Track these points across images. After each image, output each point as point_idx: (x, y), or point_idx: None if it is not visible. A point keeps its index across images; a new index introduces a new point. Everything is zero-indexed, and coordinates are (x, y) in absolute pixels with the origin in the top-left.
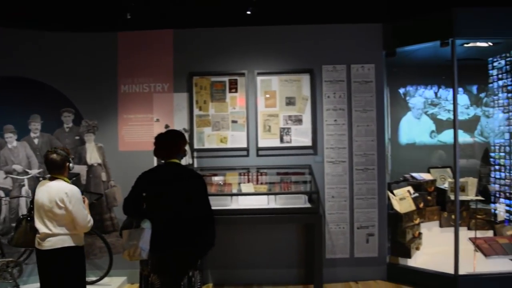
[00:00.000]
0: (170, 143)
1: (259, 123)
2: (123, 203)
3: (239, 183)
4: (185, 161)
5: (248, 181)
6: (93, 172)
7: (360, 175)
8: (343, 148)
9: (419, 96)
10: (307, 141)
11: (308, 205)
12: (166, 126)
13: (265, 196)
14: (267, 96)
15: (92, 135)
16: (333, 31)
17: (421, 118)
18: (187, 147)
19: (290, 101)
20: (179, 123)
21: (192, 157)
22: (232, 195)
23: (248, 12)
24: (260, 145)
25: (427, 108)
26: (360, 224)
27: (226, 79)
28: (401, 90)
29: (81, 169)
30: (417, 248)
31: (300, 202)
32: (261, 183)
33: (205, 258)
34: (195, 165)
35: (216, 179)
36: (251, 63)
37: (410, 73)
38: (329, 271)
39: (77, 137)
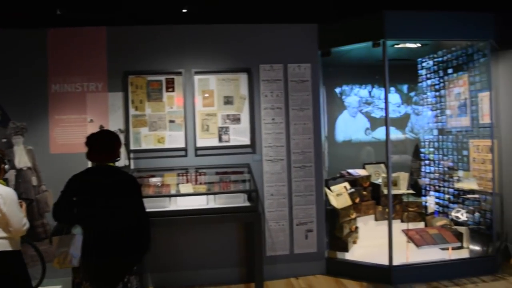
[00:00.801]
0: (104, 145)
1: (197, 123)
2: (52, 208)
3: (178, 184)
4: (120, 162)
5: (187, 182)
6: (23, 176)
7: (298, 173)
8: (281, 146)
9: (354, 95)
10: (246, 140)
11: (247, 203)
12: (101, 127)
13: (204, 196)
14: (205, 95)
15: (21, 137)
16: (270, 30)
17: (356, 116)
18: (122, 149)
19: (228, 100)
20: (114, 124)
21: (129, 158)
22: (170, 196)
23: (184, 10)
24: (199, 144)
25: (362, 106)
26: (299, 220)
27: (162, 78)
28: (338, 90)
29: (9, 174)
30: (354, 242)
31: (240, 201)
32: (200, 183)
33: (143, 262)
34: (132, 167)
35: (153, 180)
36: (188, 62)
37: (346, 73)
38: (270, 268)
39: (4, 140)
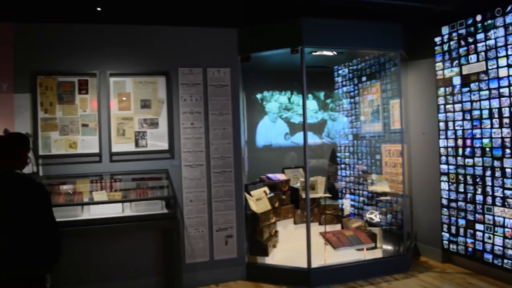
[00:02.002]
0: (7, 150)
1: (113, 127)
2: None
3: (91, 191)
4: (28, 169)
5: (101, 189)
6: None
7: (217, 178)
8: (200, 151)
9: (274, 101)
10: (164, 145)
11: (165, 210)
12: (5, 131)
13: (120, 204)
14: (123, 98)
15: None
16: (190, 34)
17: (276, 122)
18: (30, 154)
19: (145, 104)
20: (21, 127)
21: (37, 165)
22: (83, 204)
23: (99, 9)
24: (114, 150)
25: (282, 112)
26: (219, 226)
27: (75, 79)
28: (258, 95)
29: None
30: (274, 246)
31: (157, 208)
32: (115, 190)
33: (53, 276)
34: (41, 173)
35: (65, 187)
36: (103, 63)
37: (266, 78)
38: (190, 275)
39: None
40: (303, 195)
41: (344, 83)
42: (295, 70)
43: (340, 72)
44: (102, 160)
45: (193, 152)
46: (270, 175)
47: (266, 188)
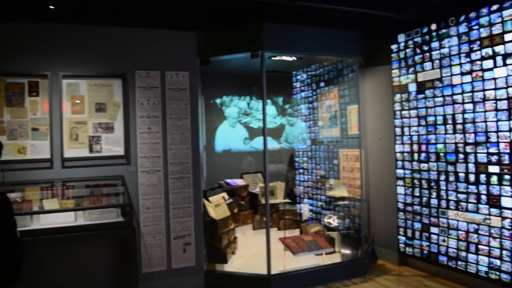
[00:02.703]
0: None
1: (65, 131)
2: None
3: (41, 199)
4: None
5: (52, 197)
6: None
7: (175, 184)
8: (157, 156)
9: (234, 106)
10: (120, 150)
11: (121, 218)
12: None
13: (73, 212)
14: (76, 101)
15: None
16: (148, 35)
17: (235, 127)
18: None
19: (100, 108)
20: None
21: None
22: (32, 213)
23: (51, 7)
24: (66, 155)
25: (241, 117)
26: (177, 234)
27: (25, 80)
28: (218, 100)
29: None
30: (233, 253)
31: (112, 216)
32: (68, 198)
33: None
34: None
35: (13, 195)
36: (56, 64)
37: (225, 83)
38: (146, 285)
39: None
40: (263, 201)
41: (302, 88)
42: (255, 75)
43: (298, 77)
44: (54, 166)
45: (150, 158)
46: (229, 181)
47: (225, 194)
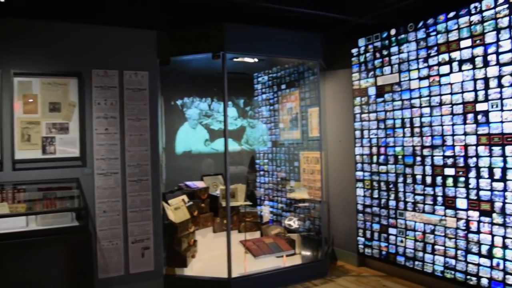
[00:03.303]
0: None
1: (16, 132)
2: None
3: None
4: None
5: (2, 200)
6: None
7: (133, 187)
8: (115, 158)
9: (194, 108)
10: (75, 152)
11: (76, 223)
12: None
13: (24, 217)
14: (29, 100)
15: None
16: (106, 33)
17: (196, 128)
18: None
19: (54, 107)
20: None
21: None
22: None
23: (2, 0)
24: (18, 157)
25: (202, 119)
26: (135, 238)
27: None
28: (179, 102)
29: None
30: (193, 256)
31: (67, 220)
32: (19, 202)
33: None
34: None
35: None
36: (6, 61)
37: (186, 84)
38: None
39: None
40: (223, 203)
41: (263, 90)
42: (216, 76)
43: (260, 79)
44: (4, 168)
45: (107, 160)
46: (188, 183)
47: (184, 197)
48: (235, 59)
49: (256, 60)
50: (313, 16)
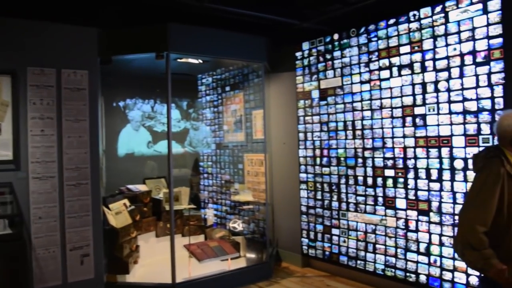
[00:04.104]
0: None
1: None
2: None
3: None
4: None
5: None
6: None
7: (72, 191)
8: (51, 161)
9: (137, 110)
10: (7, 155)
11: (9, 230)
12: None
13: None
14: None
15: None
16: (44, 29)
17: (139, 130)
18: None
19: None
20: None
21: None
22: None
23: None
24: None
25: (145, 121)
26: (74, 245)
27: None
28: (121, 103)
29: None
30: (135, 262)
31: None
32: None
33: None
34: None
35: None
36: None
37: (129, 84)
38: None
39: None
40: (167, 207)
41: (207, 92)
42: (159, 77)
43: (204, 80)
44: None
45: (43, 163)
46: (130, 186)
47: (126, 201)
48: (179, 60)
49: (200, 61)
50: (259, 18)
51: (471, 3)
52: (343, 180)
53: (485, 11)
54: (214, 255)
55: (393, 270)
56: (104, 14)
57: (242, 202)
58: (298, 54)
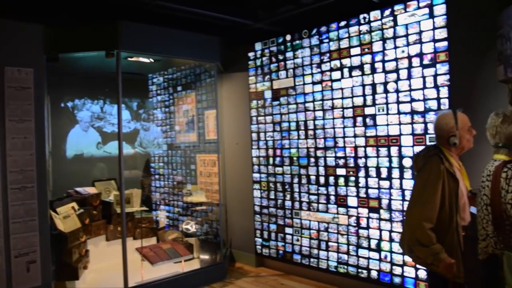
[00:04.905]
0: None
1: None
2: None
3: None
4: None
5: None
6: None
7: (16, 195)
8: None
9: (86, 110)
10: None
11: None
12: None
13: None
14: None
15: None
16: None
17: (88, 131)
18: None
19: None
20: None
21: None
22: None
23: None
24: None
25: (94, 121)
26: (19, 251)
27: None
28: (69, 104)
29: None
30: (85, 267)
31: None
32: None
33: None
34: None
35: None
36: None
37: (77, 83)
38: None
39: None
40: (117, 210)
41: (159, 92)
42: (109, 76)
43: (155, 80)
44: None
45: None
46: (79, 189)
47: (74, 204)
48: (129, 59)
49: (151, 60)
50: (212, 18)
51: (418, 8)
52: (295, 180)
53: (431, 15)
54: (167, 258)
55: (346, 266)
56: (52, 10)
57: (195, 203)
58: (251, 54)
